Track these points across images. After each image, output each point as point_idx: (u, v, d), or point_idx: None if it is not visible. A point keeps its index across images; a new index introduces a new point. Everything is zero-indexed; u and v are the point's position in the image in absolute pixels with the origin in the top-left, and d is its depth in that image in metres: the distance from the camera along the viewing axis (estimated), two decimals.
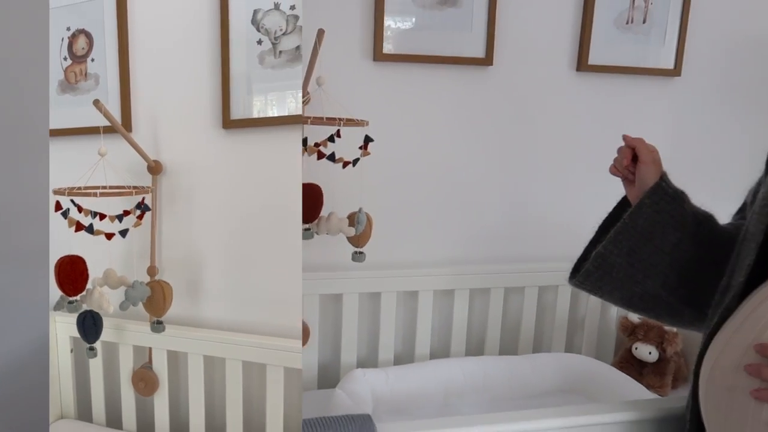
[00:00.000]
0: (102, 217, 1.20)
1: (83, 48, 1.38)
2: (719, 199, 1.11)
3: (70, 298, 1.20)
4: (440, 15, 1.72)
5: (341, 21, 1.68)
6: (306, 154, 1.28)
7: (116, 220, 1.22)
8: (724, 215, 1.12)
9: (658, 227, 0.99)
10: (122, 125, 1.32)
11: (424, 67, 1.76)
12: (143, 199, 1.26)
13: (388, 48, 1.71)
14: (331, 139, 1.30)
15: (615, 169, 1.07)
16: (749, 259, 0.86)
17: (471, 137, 1.84)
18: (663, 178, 1.00)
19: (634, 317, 1.88)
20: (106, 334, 1.32)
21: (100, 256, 1.23)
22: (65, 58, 1.39)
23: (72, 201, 1.15)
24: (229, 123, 1.32)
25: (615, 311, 2.01)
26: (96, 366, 1.45)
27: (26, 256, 0.91)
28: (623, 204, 1.10)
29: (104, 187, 1.18)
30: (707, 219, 1.03)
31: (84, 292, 1.21)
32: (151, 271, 1.37)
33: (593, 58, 1.84)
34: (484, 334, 1.93)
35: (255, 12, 1.28)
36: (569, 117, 1.89)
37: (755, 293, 0.85)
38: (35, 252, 0.92)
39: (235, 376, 1.30)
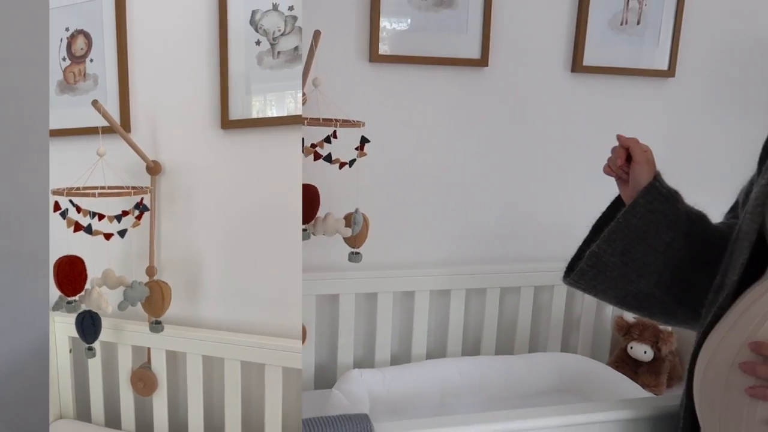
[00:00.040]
0: (101, 217, 1.20)
1: (82, 48, 1.38)
2: (713, 199, 1.12)
3: (69, 299, 1.20)
4: (436, 16, 1.73)
5: (337, 22, 1.68)
6: (303, 154, 1.28)
7: (115, 221, 1.22)
8: (718, 215, 1.13)
9: (651, 226, 0.99)
10: (121, 126, 1.32)
11: (420, 68, 1.76)
12: (142, 199, 1.26)
13: (384, 49, 1.72)
14: (327, 140, 1.30)
15: (609, 169, 1.07)
16: (742, 258, 0.87)
17: (467, 138, 1.85)
18: (656, 177, 1.01)
19: (630, 317, 1.89)
20: (105, 335, 1.32)
21: (99, 257, 1.23)
22: (64, 59, 1.40)
23: (71, 201, 1.15)
24: (227, 123, 1.33)
25: (610, 311, 2.01)
26: (95, 366, 1.45)
27: (26, 256, 0.91)
28: (617, 203, 1.10)
29: (103, 188, 1.18)
30: (700, 218, 1.04)
31: (83, 293, 1.21)
32: (150, 271, 1.38)
33: (588, 59, 1.85)
34: (481, 334, 1.93)
35: (253, 13, 1.28)
36: (564, 118, 1.90)
37: (748, 292, 0.86)
38: (35, 252, 0.92)
39: (234, 376, 1.30)
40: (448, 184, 1.86)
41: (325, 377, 1.86)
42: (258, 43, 1.29)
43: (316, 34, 1.29)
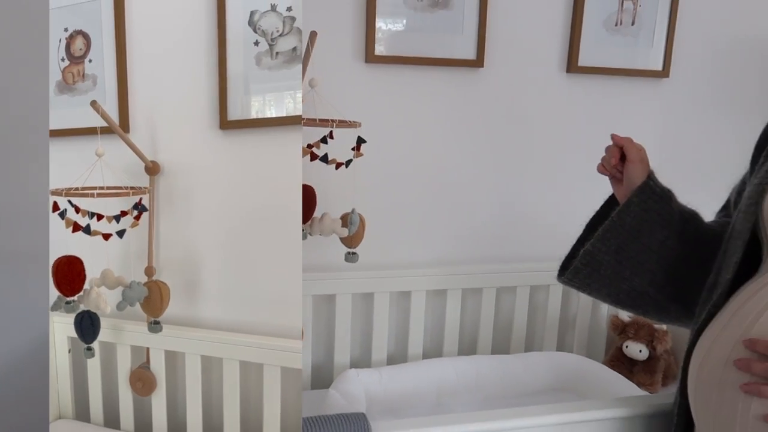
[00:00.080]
0: (99, 217, 1.20)
1: (81, 49, 1.38)
2: (707, 198, 1.13)
3: (68, 299, 1.20)
4: (431, 17, 1.74)
5: (333, 23, 1.69)
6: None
7: (113, 221, 1.22)
8: (712, 214, 1.13)
9: (645, 225, 1.00)
10: (120, 126, 1.32)
11: (416, 69, 1.77)
12: (140, 199, 1.26)
13: (379, 50, 1.72)
14: (323, 140, 1.31)
15: (603, 168, 1.08)
16: (736, 256, 0.88)
17: (462, 138, 1.85)
18: (650, 177, 1.02)
19: (625, 316, 1.90)
20: (104, 335, 1.32)
21: (98, 257, 1.23)
22: (63, 59, 1.40)
23: (69, 201, 1.15)
24: (226, 124, 1.33)
25: (606, 310, 2.02)
26: (94, 366, 1.45)
27: (26, 256, 0.91)
28: (610, 202, 1.11)
29: (101, 188, 1.18)
30: (693, 217, 1.04)
31: (81, 293, 1.21)
32: (149, 271, 1.38)
33: (583, 60, 1.86)
34: (477, 334, 1.94)
35: (252, 13, 1.29)
36: (559, 118, 1.91)
37: (742, 290, 0.87)
38: (35, 252, 0.92)
39: (233, 376, 1.30)
40: (444, 184, 1.87)
41: (322, 377, 1.87)
42: (256, 43, 1.29)
43: (313, 35, 1.29)
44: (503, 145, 1.89)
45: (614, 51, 1.88)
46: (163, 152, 1.39)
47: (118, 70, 1.37)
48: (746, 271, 0.89)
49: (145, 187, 1.29)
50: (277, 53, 1.27)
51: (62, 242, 1.15)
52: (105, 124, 1.21)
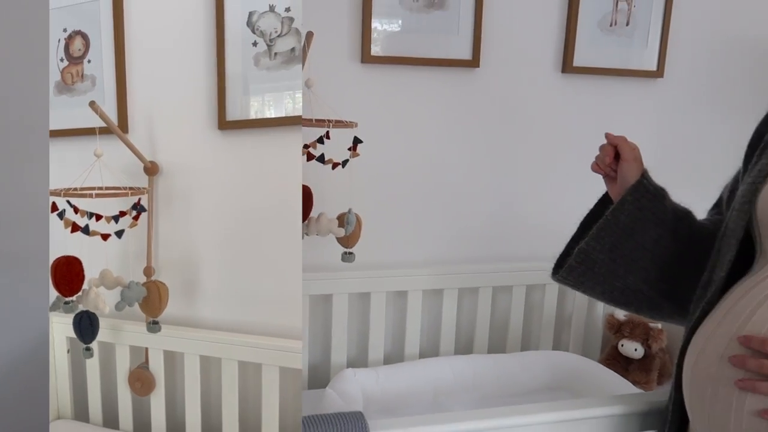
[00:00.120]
0: (98, 218, 1.20)
1: (80, 49, 1.38)
2: (701, 197, 1.13)
3: (66, 299, 1.20)
4: (427, 17, 1.74)
5: (329, 23, 1.69)
6: None
7: (112, 221, 1.22)
8: (705, 213, 1.14)
9: (639, 223, 1.01)
10: (118, 126, 1.32)
11: (412, 69, 1.77)
12: (139, 200, 1.27)
13: (375, 50, 1.73)
14: (320, 140, 1.31)
15: (597, 167, 1.08)
16: (730, 254, 0.88)
17: (458, 138, 1.86)
18: (644, 175, 1.02)
19: (620, 315, 1.91)
20: (103, 335, 1.32)
21: (97, 257, 1.23)
22: (62, 60, 1.40)
23: (68, 202, 1.16)
24: (224, 124, 1.33)
25: (601, 309, 2.03)
26: (92, 366, 1.45)
27: (26, 256, 0.91)
28: (604, 201, 1.12)
29: (100, 188, 1.18)
30: (686, 215, 1.05)
31: (80, 293, 1.22)
32: (148, 271, 1.38)
33: (578, 60, 1.87)
34: (473, 333, 1.94)
35: (250, 14, 1.29)
36: (555, 118, 1.92)
37: (736, 287, 0.88)
38: (35, 253, 0.92)
39: (231, 376, 1.31)
40: (440, 184, 1.87)
41: (319, 377, 1.87)
42: (255, 44, 1.29)
43: (309, 35, 1.30)
44: (499, 145, 1.89)
45: (609, 51, 1.89)
46: (162, 153, 1.39)
47: (116, 70, 1.38)
48: (740, 269, 0.89)
49: (144, 188, 1.29)
50: (275, 54, 1.27)
51: (61, 242, 1.16)
52: (104, 125, 1.22)
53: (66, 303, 1.20)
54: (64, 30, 1.39)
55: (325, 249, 1.49)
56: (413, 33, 1.74)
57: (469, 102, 1.84)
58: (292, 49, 1.26)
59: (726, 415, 0.82)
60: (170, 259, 1.40)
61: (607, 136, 1.06)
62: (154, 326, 1.32)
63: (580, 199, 1.13)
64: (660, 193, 1.02)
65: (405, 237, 1.89)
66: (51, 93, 1.39)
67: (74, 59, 1.39)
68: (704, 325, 0.89)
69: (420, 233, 1.90)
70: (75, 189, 1.15)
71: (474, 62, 1.79)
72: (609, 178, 1.08)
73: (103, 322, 1.28)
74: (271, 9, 1.27)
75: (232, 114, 1.32)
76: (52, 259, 1.14)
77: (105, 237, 1.20)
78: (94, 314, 1.25)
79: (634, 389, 1.68)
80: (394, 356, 1.93)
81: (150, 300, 1.29)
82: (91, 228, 1.18)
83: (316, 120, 1.26)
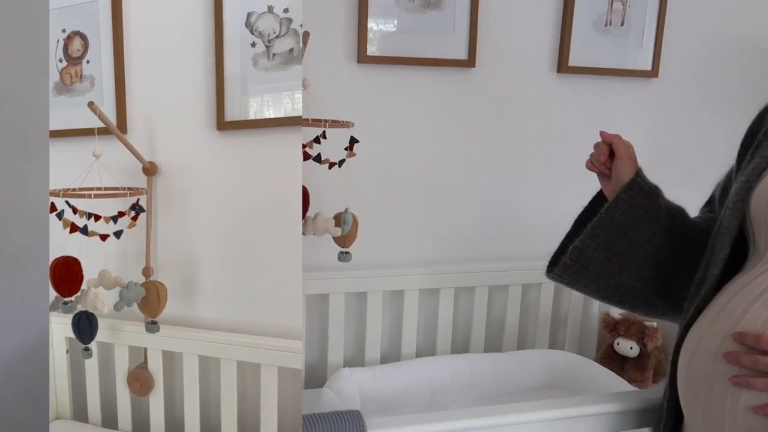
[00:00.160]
0: (97, 218, 1.20)
1: (78, 50, 1.38)
2: (695, 195, 1.14)
3: (65, 299, 1.20)
4: (423, 18, 1.75)
5: (325, 23, 1.70)
6: None
7: (111, 222, 1.22)
8: (698, 211, 1.15)
9: (633, 221, 1.01)
10: (117, 127, 1.33)
11: (408, 69, 1.78)
12: (138, 200, 1.27)
13: (371, 50, 1.73)
14: (317, 140, 1.32)
15: (591, 165, 1.09)
16: (724, 252, 0.89)
17: (454, 138, 1.86)
18: (639, 173, 1.03)
19: (616, 313, 1.91)
20: (102, 335, 1.32)
21: (95, 257, 1.24)
22: (60, 60, 1.40)
23: (67, 202, 1.16)
24: (223, 125, 1.33)
25: (597, 308, 2.04)
26: (91, 366, 1.45)
27: (26, 257, 0.91)
28: (598, 198, 1.12)
29: (99, 189, 1.18)
30: (680, 213, 1.06)
31: (79, 293, 1.22)
32: (146, 272, 1.38)
33: (573, 60, 1.88)
34: (469, 332, 1.95)
35: (249, 15, 1.29)
36: (550, 118, 1.92)
37: (730, 285, 0.88)
38: (34, 253, 0.92)
39: (230, 376, 1.31)
40: (436, 183, 1.88)
41: (316, 376, 1.87)
42: (253, 45, 1.29)
43: (305, 36, 1.30)
44: (495, 145, 1.90)
45: (604, 51, 1.90)
46: (161, 153, 1.39)
47: (115, 71, 1.38)
48: (733, 267, 0.90)
49: (143, 188, 1.30)
50: (273, 54, 1.28)
51: (60, 243, 1.16)
52: (102, 125, 1.22)
53: (65, 303, 1.21)
54: (63, 30, 1.39)
55: (322, 249, 1.50)
56: (409, 33, 1.75)
57: (464, 102, 1.85)
58: (291, 50, 1.26)
59: (721, 412, 0.83)
60: (169, 259, 1.40)
61: (602, 134, 1.07)
62: (152, 326, 1.32)
63: (576, 198, 1.14)
64: (654, 192, 1.03)
65: (401, 236, 1.89)
66: (50, 93, 1.39)
67: (73, 60, 1.39)
68: (698, 323, 0.90)
69: (416, 233, 1.90)
70: (74, 189, 1.15)
71: (470, 62, 1.80)
72: (603, 176, 1.09)
73: (102, 323, 1.29)
74: (270, 10, 1.27)
75: (231, 114, 1.33)
76: (51, 259, 1.14)
77: (104, 237, 1.20)
78: (93, 314, 1.25)
79: (630, 387, 1.68)
80: (390, 355, 1.93)
81: (149, 300, 1.29)
82: (90, 228, 1.18)
83: (313, 120, 1.26)
